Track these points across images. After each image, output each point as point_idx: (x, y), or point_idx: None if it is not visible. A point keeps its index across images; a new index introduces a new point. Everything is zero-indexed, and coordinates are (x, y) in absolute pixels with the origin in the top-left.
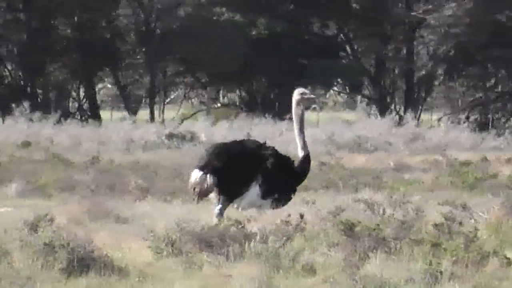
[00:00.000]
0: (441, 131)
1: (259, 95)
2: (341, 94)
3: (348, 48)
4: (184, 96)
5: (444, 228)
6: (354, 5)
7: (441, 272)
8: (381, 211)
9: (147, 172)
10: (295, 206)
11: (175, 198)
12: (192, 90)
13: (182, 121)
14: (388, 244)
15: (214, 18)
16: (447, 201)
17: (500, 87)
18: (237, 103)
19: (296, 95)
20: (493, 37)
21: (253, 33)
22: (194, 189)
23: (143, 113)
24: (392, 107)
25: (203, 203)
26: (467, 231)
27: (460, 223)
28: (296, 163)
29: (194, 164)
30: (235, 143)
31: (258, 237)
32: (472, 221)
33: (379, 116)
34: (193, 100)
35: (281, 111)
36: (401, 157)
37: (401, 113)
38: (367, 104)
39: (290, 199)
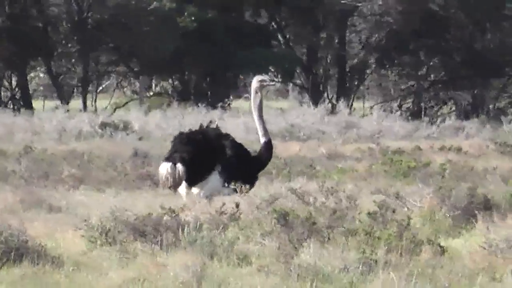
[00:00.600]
0: (374, 120)
1: (191, 84)
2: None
3: (280, 36)
4: (117, 85)
5: (377, 217)
6: None
7: (375, 261)
8: (314, 200)
9: (81, 162)
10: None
11: (108, 188)
12: (124, 79)
13: (115, 110)
14: (322, 233)
15: (146, 7)
16: (380, 189)
17: (432, 75)
18: (170, 92)
19: (255, 82)
20: (425, 25)
21: (185, 22)
22: (167, 181)
23: (76, 103)
24: (325, 95)
25: (135, 193)
26: (400, 219)
27: (394, 212)
28: (257, 150)
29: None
30: (198, 131)
31: (192, 226)
32: (406, 209)
33: (311, 105)
34: (125, 89)
35: (213, 100)
36: (334, 145)
37: (334, 101)
38: (300, 93)
39: (252, 185)
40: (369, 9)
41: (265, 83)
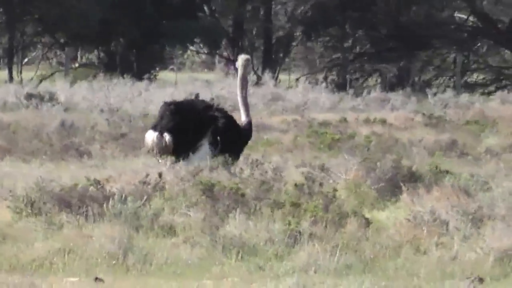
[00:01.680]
0: (300, 92)
1: (117, 55)
2: (199, 55)
3: (206, 8)
4: (42, 56)
5: (304, 189)
6: None
7: (300, 232)
8: (238, 172)
9: (6, 133)
10: (155, 167)
11: (34, 159)
12: (50, 50)
13: (41, 81)
14: (248, 204)
15: None
16: (305, 162)
17: (358, 47)
18: (96, 64)
19: (242, 61)
20: None
21: None
22: (152, 150)
23: (2, 74)
24: (251, 67)
25: (61, 164)
26: (326, 191)
27: (320, 184)
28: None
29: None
30: (186, 102)
31: (117, 198)
32: (331, 181)
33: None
34: (51, 60)
35: (139, 71)
36: (260, 117)
37: (259, 73)
38: (226, 65)
39: (238, 158)
40: None
41: (248, 62)
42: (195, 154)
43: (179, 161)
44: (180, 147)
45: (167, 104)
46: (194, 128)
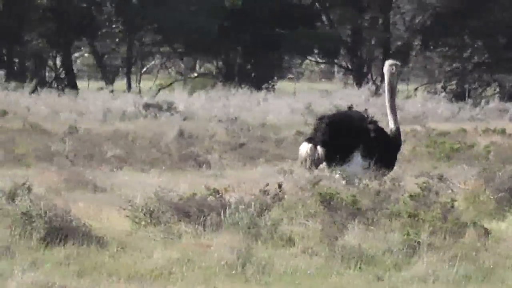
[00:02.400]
0: (418, 102)
1: (235, 65)
2: (318, 64)
3: (324, 17)
4: (161, 66)
5: (421, 199)
6: None
7: (419, 243)
8: (357, 182)
9: (125, 142)
10: (273, 176)
11: (152, 168)
12: (169, 60)
13: (159, 91)
14: (366, 215)
15: None
16: (424, 171)
17: (476, 57)
18: (214, 73)
19: (388, 67)
20: (469, 7)
21: (229, 2)
22: (305, 161)
23: (120, 83)
24: (369, 77)
25: (178, 173)
26: (444, 201)
27: (437, 194)
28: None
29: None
30: (340, 114)
31: (236, 207)
32: (450, 191)
33: (356, 86)
34: (170, 70)
35: (257, 81)
36: None
37: (378, 83)
38: (344, 74)
39: (392, 168)
40: None
41: (399, 67)
42: (348, 166)
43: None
44: (332, 160)
45: (323, 116)
46: (346, 140)
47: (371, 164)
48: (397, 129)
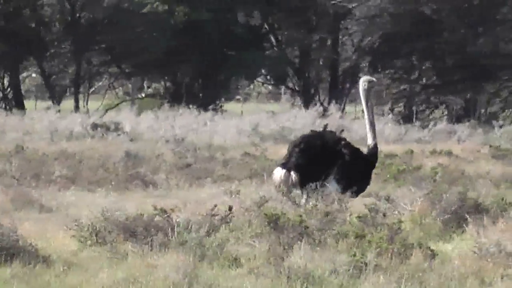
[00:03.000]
0: (366, 123)
1: (183, 85)
2: (265, 85)
3: (272, 38)
4: (109, 86)
5: (368, 220)
6: None
7: (365, 264)
8: (303, 202)
9: (72, 162)
10: (220, 196)
11: (99, 188)
12: (116, 80)
13: (107, 111)
14: (313, 235)
15: (139, 8)
16: (371, 192)
17: (424, 79)
18: (162, 94)
19: (364, 83)
20: (418, 29)
21: (177, 23)
22: (279, 187)
23: (68, 103)
24: (317, 98)
25: (125, 194)
26: (391, 223)
27: (384, 215)
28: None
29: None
30: (314, 136)
31: (183, 227)
32: (396, 213)
33: (303, 108)
34: (117, 90)
35: (205, 102)
36: None
37: (326, 104)
38: (292, 96)
39: (366, 188)
40: (362, 11)
41: (372, 83)
42: (323, 190)
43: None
44: (307, 184)
45: (295, 142)
46: (320, 165)
47: (345, 188)
48: (375, 145)
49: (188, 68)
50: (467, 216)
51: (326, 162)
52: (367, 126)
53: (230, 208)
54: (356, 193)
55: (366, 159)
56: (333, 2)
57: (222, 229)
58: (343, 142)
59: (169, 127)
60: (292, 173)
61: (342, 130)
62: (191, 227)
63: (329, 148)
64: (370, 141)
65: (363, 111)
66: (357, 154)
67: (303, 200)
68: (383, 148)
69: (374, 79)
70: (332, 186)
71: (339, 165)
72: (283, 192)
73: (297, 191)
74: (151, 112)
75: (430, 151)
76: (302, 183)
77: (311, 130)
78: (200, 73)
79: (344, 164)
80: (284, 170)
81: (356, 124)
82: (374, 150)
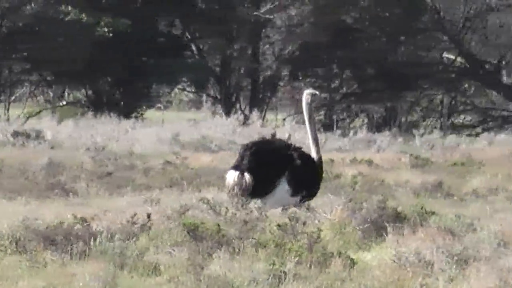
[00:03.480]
0: (286, 131)
1: (104, 93)
2: (187, 93)
3: (193, 47)
4: (30, 94)
5: (288, 229)
6: (200, 4)
7: (284, 273)
8: (223, 211)
9: None
10: (140, 205)
11: (19, 196)
12: (37, 88)
13: (27, 119)
14: (232, 244)
15: (60, 17)
16: None
17: (345, 88)
18: (83, 102)
19: (306, 96)
20: (339, 38)
21: (98, 32)
22: (233, 189)
23: None
24: (238, 106)
25: (46, 202)
26: (310, 231)
27: (304, 224)
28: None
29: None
30: (266, 142)
31: (103, 236)
32: (316, 221)
33: (224, 116)
34: (38, 98)
35: (126, 110)
36: None
37: (246, 112)
38: (213, 104)
39: (315, 195)
40: (282, 20)
41: (315, 97)
42: (273, 195)
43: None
44: (260, 187)
45: (248, 144)
46: (273, 168)
47: (296, 192)
48: (319, 158)
49: (108, 76)
50: (387, 225)
51: (277, 165)
52: (310, 140)
53: (149, 216)
54: (307, 197)
55: (315, 165)
56: (255, 13)
57: (142, 237)
58: (293, 147)
59: (89, 135)
60: (245, 175)
61: (289, 136)
62: (111, 236)
63: (280, 152)
64: (314, 155)
65: (304, 122)
66: (308, 160)
67: (254, 205)
68: None
69: (317, 92)
70: (283, 189)
71: (290, 169)
72: (236, 195)
73: (243, 197)
74: (72, 120)
75: (350, 160)
76: (255, 186)
77: (260, 138)
78: (120, 81)
79: (294, 168)
80: (237, 172)
81: (277, 132)
82: (319, 163)
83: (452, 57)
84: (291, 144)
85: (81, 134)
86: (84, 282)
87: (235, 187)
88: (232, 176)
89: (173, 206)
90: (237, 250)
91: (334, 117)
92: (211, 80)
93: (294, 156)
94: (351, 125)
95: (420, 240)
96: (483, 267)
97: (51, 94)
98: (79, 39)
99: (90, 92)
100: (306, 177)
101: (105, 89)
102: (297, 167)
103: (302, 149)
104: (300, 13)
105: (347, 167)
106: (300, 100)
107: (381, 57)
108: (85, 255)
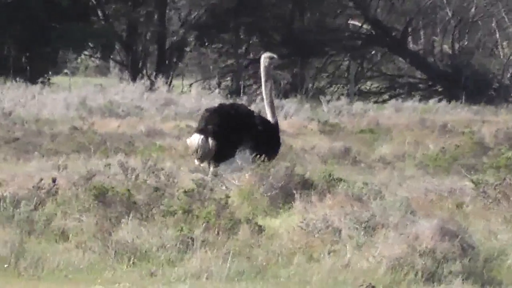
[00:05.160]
0: (193, 97)
1: (10, 58)
2: (93, 59)
3: (99, 12)
4: None
5: (196, 195)
6: None
7: (192, 239)
8: (133, 177)
9: None
10: (48, 170)
11: None
12: None
13: None
14: (140, 210)
15: None
16: (198, 168)
17: (252, 54)
18: None
19: (265, 60)
20: (245, 3)
21: None
22: (196, 152)
23: None
24: (144, 72)
25: None
26: (218, 198)
27: (212, 190)
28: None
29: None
30: (229, 107)
31: (9, 201)
32: (224, 188)
33: (131, 82)
34: None
35: (32, 75)
36: (153, 122)
37: (153, 78)
38: (120, 70)
39: (274, 158)
40: None
41: (273, 60)
42: (235, 160)
43: (220, 165)
44: (223, 151)
45: (212, 108)
46: (236, 133)
47: (259, 154)
48: (276, 122)
49: (14, 41)
50: (295, 192)
51: (240, 130)
52: (266, 104)
53: (54, 180)
54: (269, 160)
55: (275, 129)
56: None
57: (49, 203)
58: (255, 114)
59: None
60: (209, 139)
61: (251, 103)
62: (18, 202)
63: (243, 117)
64: (270, 118)
65: (266, 86)
66: (268, 125)
67: (211, 172)
68: None
69: (275, 56)
70: (246, 154)
71: (252, 133)
72: (199, 158)
73: (202, 164)
74: None
75: None
76: (219, 150)
77: (220, 103)
78: (26, 46)
79: (257, 133)
80: (201, 136)
81: (184, 98)
82: (275, 127)
83: (359, 24)
84: (251, 110)
85: None
86: None
87: (199, 150)
88: (196, 140)
89: (80, 172)
90: (145, 216)
91: (241, 83)
92: (118, 46)
93: (257, 121)
94: (258, 91)
95: (328, 207)
96: (391, 234)
97: None
98: None
99: None
100: (267, 142)
101: (10, 54)
102: (259, 132)
103: (262, 115)
104: None
105: None
106: (206, 66)
107: (287, 23)
108: None
